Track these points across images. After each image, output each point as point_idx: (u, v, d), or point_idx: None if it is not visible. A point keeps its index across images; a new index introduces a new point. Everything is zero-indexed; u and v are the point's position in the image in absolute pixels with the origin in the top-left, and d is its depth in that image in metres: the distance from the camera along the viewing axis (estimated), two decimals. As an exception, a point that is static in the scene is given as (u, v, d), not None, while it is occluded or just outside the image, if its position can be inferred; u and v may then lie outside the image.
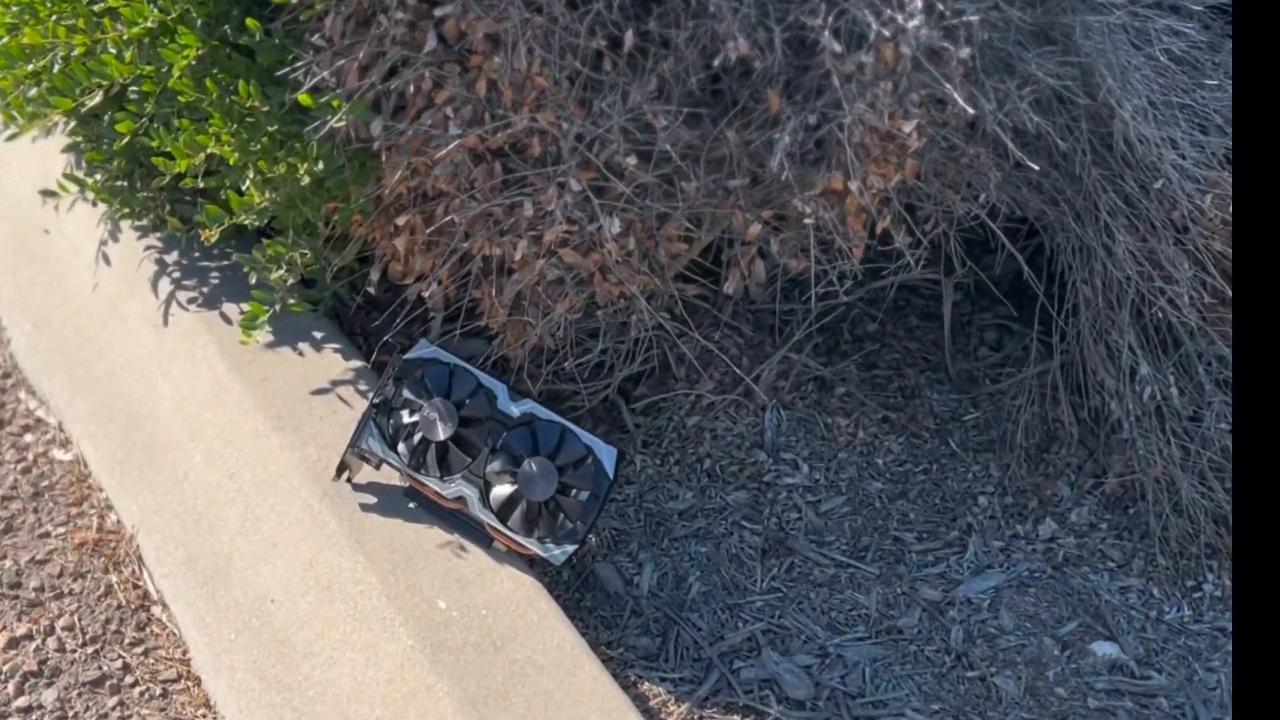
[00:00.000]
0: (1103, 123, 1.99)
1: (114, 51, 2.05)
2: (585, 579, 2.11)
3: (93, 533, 2.17)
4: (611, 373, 2.24)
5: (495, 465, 1.99)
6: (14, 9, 2.12)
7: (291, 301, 2.17)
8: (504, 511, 1.98)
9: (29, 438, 2.35)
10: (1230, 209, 1.97)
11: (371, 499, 2.02)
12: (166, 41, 2.02)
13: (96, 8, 2.05)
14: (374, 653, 1.85)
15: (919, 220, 2.01)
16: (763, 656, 2.02)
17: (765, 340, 2.43)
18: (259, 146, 1.99)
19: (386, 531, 1.98)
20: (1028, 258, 2.17)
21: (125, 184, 2.32)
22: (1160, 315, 2.07)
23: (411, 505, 2.02)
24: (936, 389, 2.45)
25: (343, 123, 1.93)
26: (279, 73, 1.99)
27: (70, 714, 1.94)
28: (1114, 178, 2.03)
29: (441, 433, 1.99)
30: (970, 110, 1.75)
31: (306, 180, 1.97)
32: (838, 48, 1.75)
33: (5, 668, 1.99)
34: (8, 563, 2.11)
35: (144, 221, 2.41)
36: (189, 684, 1.98)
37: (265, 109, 2.00)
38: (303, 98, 1.96)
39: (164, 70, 2.04)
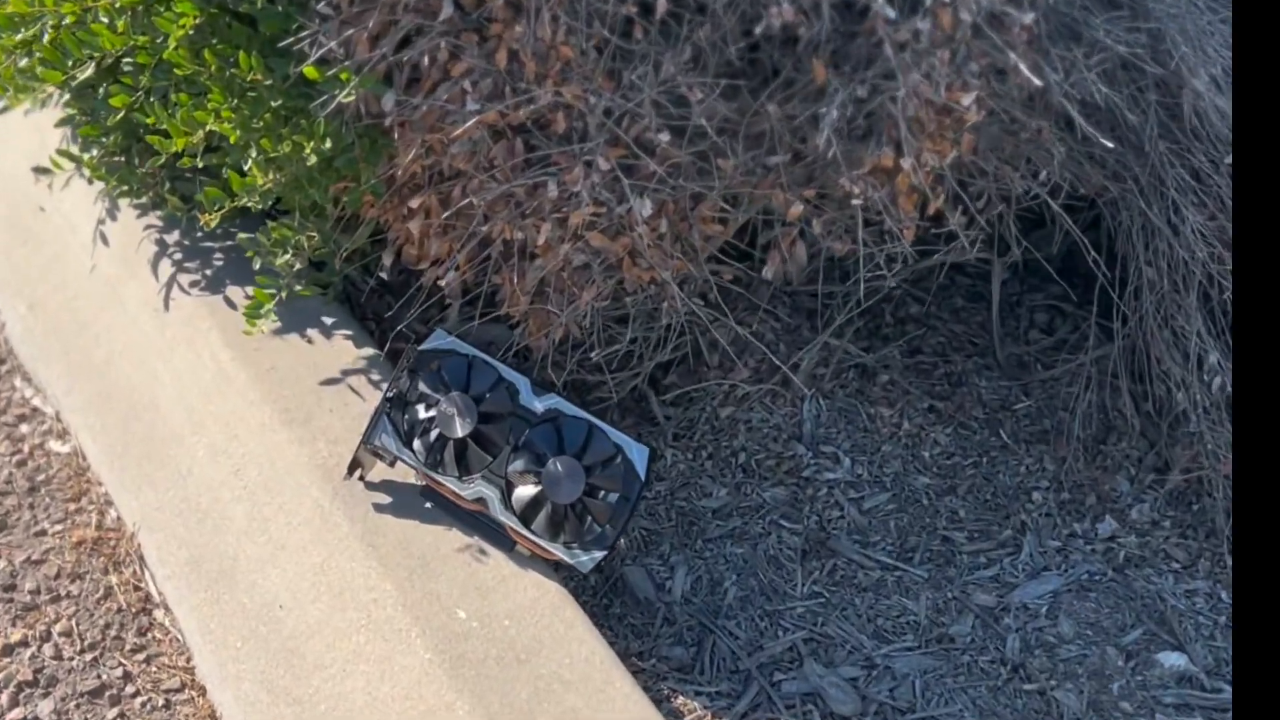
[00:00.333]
0: (1171, 93, 1.87)
1: (105, 20, 1.98)
2: (613, 584, 2.01)
3: (91, 530, 2.11)
4: (640, 362, 2.12)
5: (518, 465, 1.90)
6: (0, -26, 2.04)
7: (299, 287, 2.08)
8: (527, 514, 1.88)
9: (25, 428, 2.28)
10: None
11: (385, 498, 1.94)
12: (161, 9, 1.94)
13: (86, -28, 1.96)
14: (389, 666, 1.77)
15: (971, 198, 1.87)
16: (805, 668, 1.91)
17: (803, 325, 2.30)
18: (262, 123, 1.91)
19: (401, 534, 1.90)
20: (1082, 236, 2.04)
21: (122, 160, 2.25)
22: (1230, 299, 1.93)
23: (428, 505, 1.93)
24: (985, 375, 2.32)
25: (352, 97, 1.84)
26: (283, 43, 1.90)
27: (67, 727, 1.87)
28: (1182, 152, 1.90)
29: (460, 429, 1.90)
30: (1037, 81, 1.60)
31: (313, 160, 1.88)
32: (891, 13, 1.62)
33: (-1, 677, 1.92)
34: (2, 563, 2.05)
35: (143, 199, 2.34)
36: (193, 694, 1.91)
37: (268, 83, 1.92)
38: (308, 70, 1.87)
39: (159, 41, 1.97)
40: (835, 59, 1.72)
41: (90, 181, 2.37)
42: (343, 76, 1.85)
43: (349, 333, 2.18)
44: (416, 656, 1.76)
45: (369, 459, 1.95)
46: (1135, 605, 2.01)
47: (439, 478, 1.91)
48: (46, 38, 2.02)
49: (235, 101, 1.93)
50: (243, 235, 2.15)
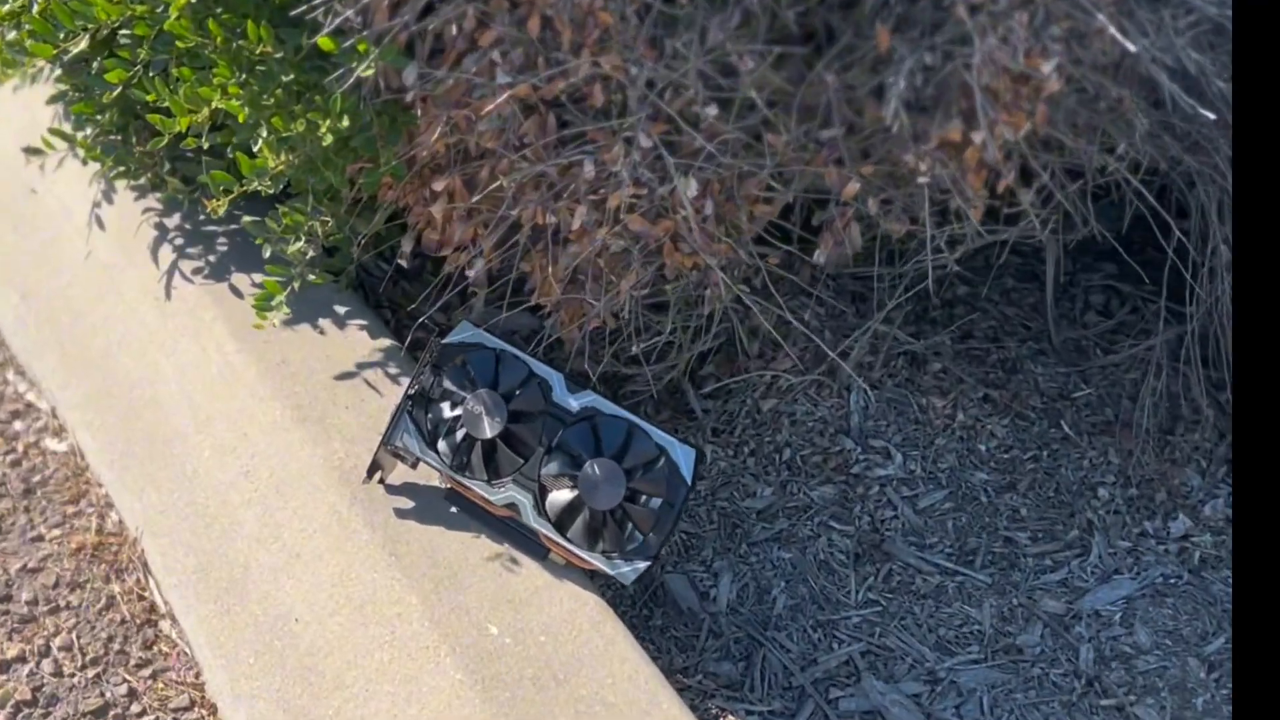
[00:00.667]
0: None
1: (100, -13, 1.88)
2: (654, 593, 1.91)
3: (92, 535, 2.04)
4: (677, 352, 1.99)
5: (552, 467, 1.79)
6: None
7: (312, 277, 2.00)
8: (563, 521, 1.79)
9: (18, 425, 2.21)
10: None
11: (407, 503, 1.86)
12: (161, -25, 1.88)
13: (78, -64, 1.91)
14: (416, 686, 1.69)
15: (1036, 174, 1.73)
16: (863, 683, 1.80)
17: (848, 310, 2.17)
18: (272, 100, 1.83)
19: (426, 542, 1.82)
20: (1147, 212, 1.91)
21: (119, 139, 2.20)
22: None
23: (453, 510, 1.85)
24: (1040, 361, 2.20)
25: (371, 71, 1.74)
26: (295, 12, 1.81)
27: (69, 751, 1.81)
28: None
29: (488, 429, 1.80)
30: (1131, 47, 1.46)
31: (329, 140, 1.80)
32: (965, -27, 1.48)
33: (-6, 697, 1.86)
34: (-4, 572, 1.99)
35: (141, 181, 2.28)
36: (203, 712, 1.83)
37: (279, 55, 1.83)
38: (323, 41, 1.78)
39: (159, 10, 1.90)
40: (899, 23, 1.58)
41: (84, 162, 2.32)
42: (360, 48, 1.75)
43: (363, 323, 2.11)
44: (446, 677, 1.67)
45: (389, 461, 1.86)
46: (1215, 611, 1.90)
47: (466, 481, 1.81)
48: (36, 8, 1.98)
49: (243, 76, 1.85)
50: (248, 219, 2.08)
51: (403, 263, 1.97)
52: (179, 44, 1.89)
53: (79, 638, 1.90)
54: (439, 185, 1.80)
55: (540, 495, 1.79)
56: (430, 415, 1.83)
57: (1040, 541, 1.98)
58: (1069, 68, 1.57)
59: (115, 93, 2.00)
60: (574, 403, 1.81)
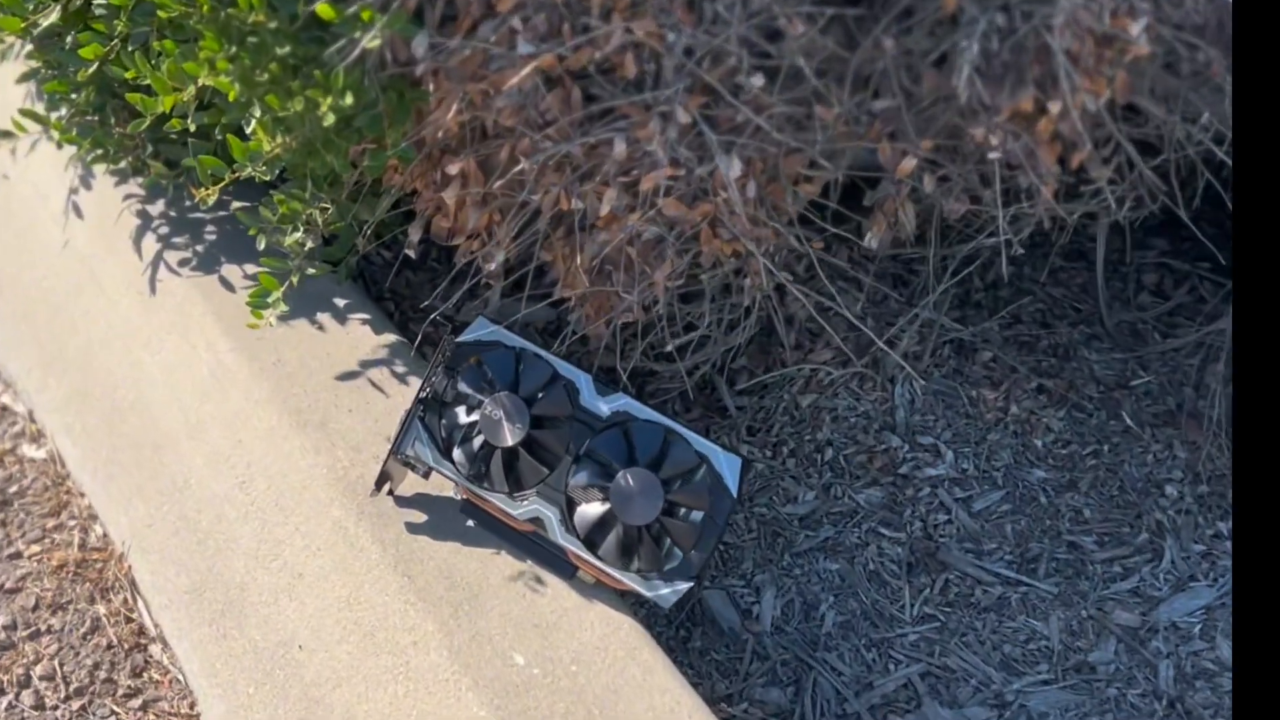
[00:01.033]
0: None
1: (72, -47, 1.75)
2: (691, 612, 1.80)
3: (74, 551, 1.97)
4: (710, 346, 1.85)
5: (580, 478, 1.67)
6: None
7: (311, 270, 1.90)
8: (593, 537, 1.66)
9: None
10: None
11: (420, 517, 1.74)
12: (139, -63, 1.77)
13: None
14: None
15: (1100, 144, 1.59)
16: (925, 709, 1.69)
17: (889, 295, 2.02)
18: (266, 76, 1.71)
19: (442, 561, 1.70)
20: (1204, 187, 1.78)
21: (96, 120, 2.09)
22: None
23: (470, 525, 1.73)
24: (1095, 347, 2.07)
25: (376, 41, 1.61)
26: None
27: (53, 795, 1.76)
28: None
29: (509, 437, 1.68)
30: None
31: (330, 119, 1.67)
32: (1045, -77, 1.33)
33: (-30, 734, 1.80)
34: (-31, 595, 1.92)
35: (121, 165, 2.17)
36: None
37: (273, 25, 1.70)
38: (322, 9, 1.64)
39: None
40: (967, -18, 1.43)
41: (59, 146, 2.22)
42: (364, 16, 1.63)
43: (366, 317, 2.00)
44: (469, 712, 1.56)
45: (400, 471, 1.75)
46: (1302, 621, 1.76)
47: (485, 493, 1.70)
48: (2, -23, 1.88)
49: (233, 49, 1.74)
50: (238, 206, 2.00)
51: (410, 253, 1.84)
52: (161, 14, 1.79)
53: (62, 665, 1.84)
54: (452, 168, 1.66)
55: (568, 509, 1.67)
56: (444, 421, 1.72)
57: (1107, 546, 1.86)
58: (1157, 28, 1.42)
59: (91, 69, 1.92)
60: (604, 406, 1.68)
